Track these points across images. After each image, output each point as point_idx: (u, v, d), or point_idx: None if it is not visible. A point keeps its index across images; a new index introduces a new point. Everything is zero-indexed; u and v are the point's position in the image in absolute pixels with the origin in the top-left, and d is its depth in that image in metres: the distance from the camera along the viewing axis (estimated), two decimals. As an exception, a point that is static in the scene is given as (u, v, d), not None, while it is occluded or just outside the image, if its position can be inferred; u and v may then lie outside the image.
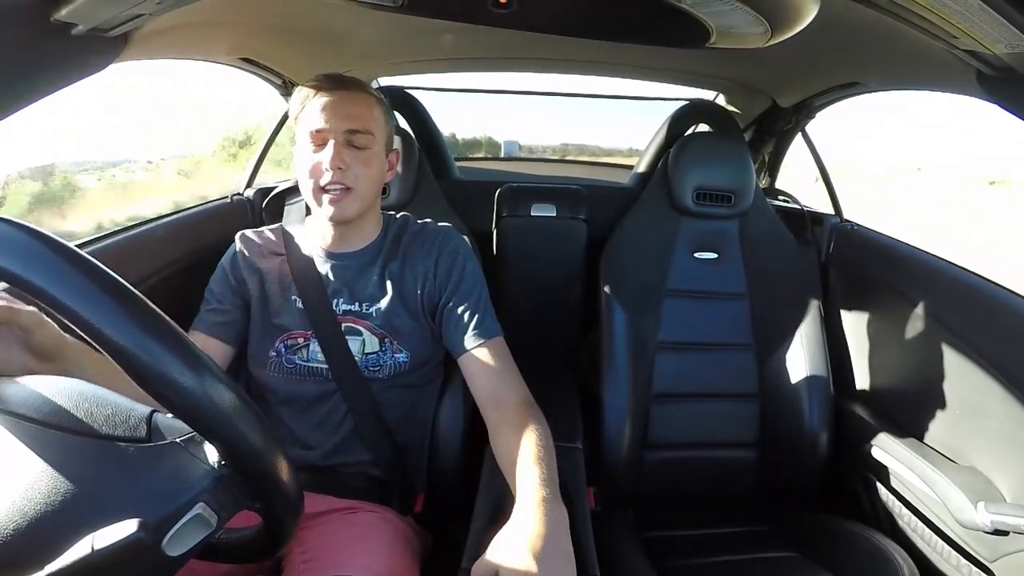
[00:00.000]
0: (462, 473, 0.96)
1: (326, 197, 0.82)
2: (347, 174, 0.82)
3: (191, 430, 0.42)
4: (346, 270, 0.90)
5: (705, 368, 1.22)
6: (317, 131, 0.82)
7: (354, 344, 0.87)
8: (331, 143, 0.81)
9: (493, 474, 0.80)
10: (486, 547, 0.59)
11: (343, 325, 0.87)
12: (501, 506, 0.77)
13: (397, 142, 1.20)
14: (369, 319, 0.88)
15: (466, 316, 0.86)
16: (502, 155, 2.71)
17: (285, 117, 1.41)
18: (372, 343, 0.87)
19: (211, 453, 0.42)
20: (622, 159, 2.58)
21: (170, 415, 0.42)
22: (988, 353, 0.92)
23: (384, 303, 0.88)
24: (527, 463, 0.69)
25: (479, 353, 0.84)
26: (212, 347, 0.89)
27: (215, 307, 0.91)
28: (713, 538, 1.12)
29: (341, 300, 0.88)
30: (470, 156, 2.64)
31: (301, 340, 0.88)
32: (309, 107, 0.83)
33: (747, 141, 1.57)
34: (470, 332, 0.85)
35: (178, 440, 0.42)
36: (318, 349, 0.87)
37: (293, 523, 0.47)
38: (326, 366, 0.86)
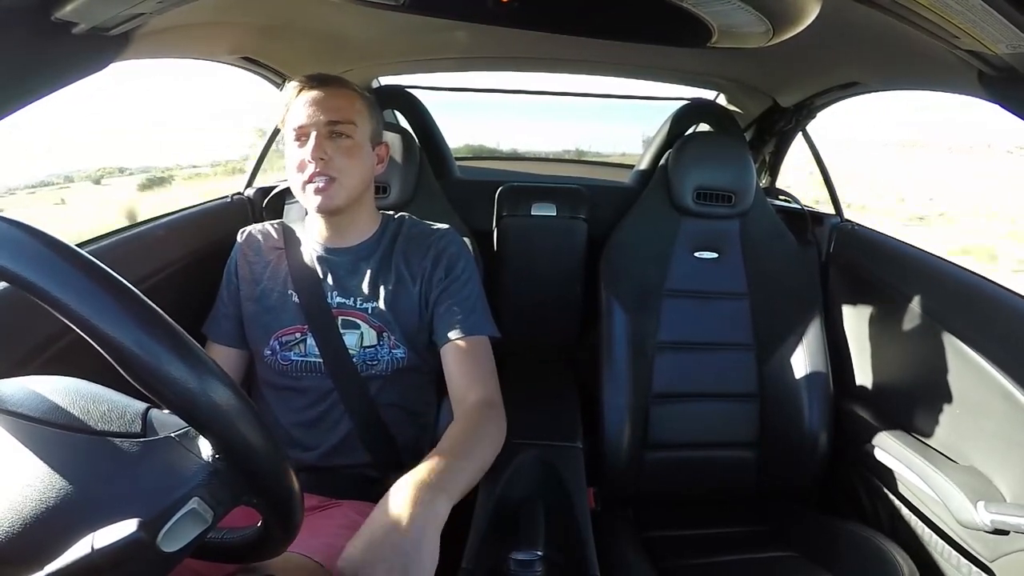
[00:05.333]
0: None
1: (311, 188, 0.83)
2: (330, 164, 0.83)
3: (186, 425, 0.42)
4: (340, 265, 0.90)
5: (705, 368, 1.22)
6: (300, 127, 0.83)
7: (352, 337, 0.87)
8: (313, 136, 0.82)
9: (493, 474, 0.80)
10: (486, 547, 0.59)
11: (340, 319, 0.88)
12: (501, 506, 0.77)
13: (396, 140, 1.21)
14: (365, 312, 0.88)
15: (454, 310, 0.86)
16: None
17: None
18: (370, 336, 0.88)
19: (205, 447, 0.42)
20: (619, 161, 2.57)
21: (166, 410, 0.42)
22: (988, 353, 0.92)
23: (380, 299, 0.88)
24: (442, 450, 0.68)
25: (455, 347, 0.84)
26: (234, 357, 0.93)
27: (228, 313, 0.93)
28: (713, 538, 1.12)
29: (335, 294, 0.89)
30: (471, 156, 2.63)
31: (298, 335, 0.88)
32: (294, 106, 0.85)
33: (748, 141, 1.57)
34: (453, 326, 0.85)
35: (172, 435, 0.42)
36: (314, 344, 0.87)
37: (294, 521, 0.47)
38: (321, 360, 0.87)
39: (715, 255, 1.27)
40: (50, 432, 0.40)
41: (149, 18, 0.68)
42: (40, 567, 0.35)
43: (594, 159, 2.50)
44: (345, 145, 0.84)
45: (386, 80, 1.70)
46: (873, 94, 1.25)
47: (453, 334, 0.84)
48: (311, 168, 0.82)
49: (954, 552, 0.93)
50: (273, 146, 1.46)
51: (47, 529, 0.37)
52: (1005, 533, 0.84)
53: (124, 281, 0.38)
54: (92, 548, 0.35)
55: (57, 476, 0.38)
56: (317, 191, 0.83)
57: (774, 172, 1.65)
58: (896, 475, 1.04)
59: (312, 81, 0.86)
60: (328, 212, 0.86)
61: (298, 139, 0.84)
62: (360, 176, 0.87)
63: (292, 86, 0.86)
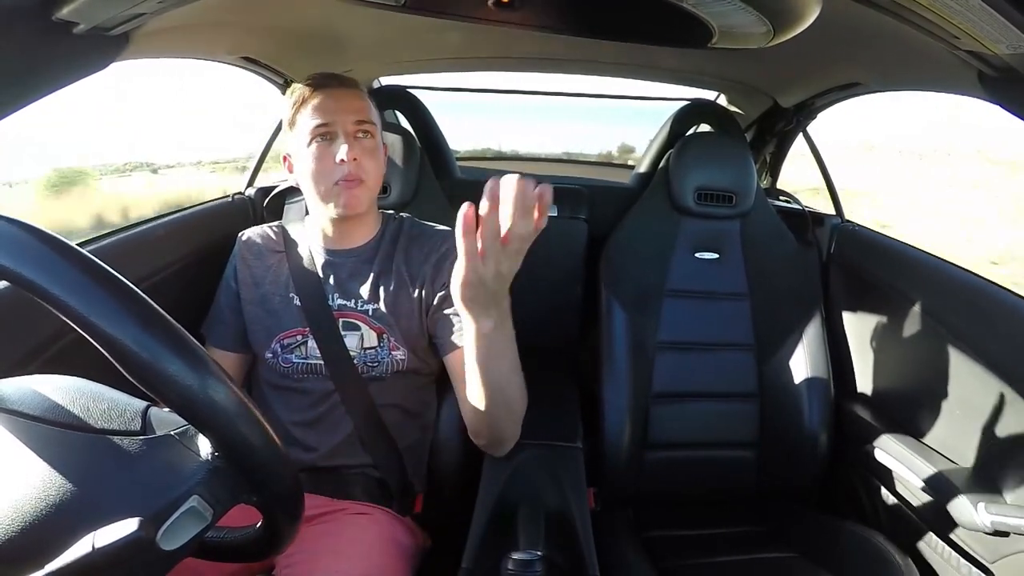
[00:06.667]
0: (462, 473, 0.95)
1: (340, 190, 0.82)
2: (360, 166, 0.82)
3: (185, 423, 0.42)
4: (342, 267, 0.90)
5: (705, 368, 1.22)
6: (323, 124, 0.81)
7: (352, 339, 0.87)
8: (341, 136, 0.81)
9: (493, 474, 0.80)
10: (486, 547, 0.59)
11: (341, 320, 0.87)
12: (501, 506, 0.77)
13: (397, 140, 1.21)
14: (365, 314, 0.88)
15: (454, 317, 0.84)
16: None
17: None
18: (370, 338, 0.87)
19: (204, 445, 0.42)
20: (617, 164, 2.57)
21: (166, 409, 0.42)
22: (988, 354, 0.92)
23: (380, 302, 0.88)
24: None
25: (462, 356, 0.82)
26: (232, 361, 0.92)
27: (225, 319, 0.92)
28: (713, 538, 1.12)
29: (337, 296, 0.88)
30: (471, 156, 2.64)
31: (299, 338, 0.88)
32: (309, 106, 0.83)
33: (748, 141, 1.57)
34: (456, 332, 0.84)
35: (172, 433, 0.42)
36: (315, 346, 0.87)
37: (293, 519, 0.47)
38: (323, 362, 0.86)
39: (715, 255, 1.27)
40: (50, 431, 0.40)
41: (149, 18, 0.68)
42: (40, 566, 0.35)
43: (595, 160, 2.50)
44: (370, 146, 0.84)
45: (387, 80, 1.70)
46: (868, 96, 1.25)
47: (458, 342, 0.83)
48: (344, 169, 0.81)
49: (954, 553, 0.93)
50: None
51: (47, 528, 0.37)
52: (1005, 534, 0.84)
53: (123, 279, 0.38)
54: (93, 547, 0.35)
55: (57, 475, 0.38)
56: (348, 190, 0.81)
57: (775, 173, 1.65)
58: (896, 475, 1.04)
59: (326, 80, 0.84)
60: (354, 215, 0.85)
61: (321, 138, 0.82)
62: (379, 178, 0.87)
63: (304, 85, 0.84)
